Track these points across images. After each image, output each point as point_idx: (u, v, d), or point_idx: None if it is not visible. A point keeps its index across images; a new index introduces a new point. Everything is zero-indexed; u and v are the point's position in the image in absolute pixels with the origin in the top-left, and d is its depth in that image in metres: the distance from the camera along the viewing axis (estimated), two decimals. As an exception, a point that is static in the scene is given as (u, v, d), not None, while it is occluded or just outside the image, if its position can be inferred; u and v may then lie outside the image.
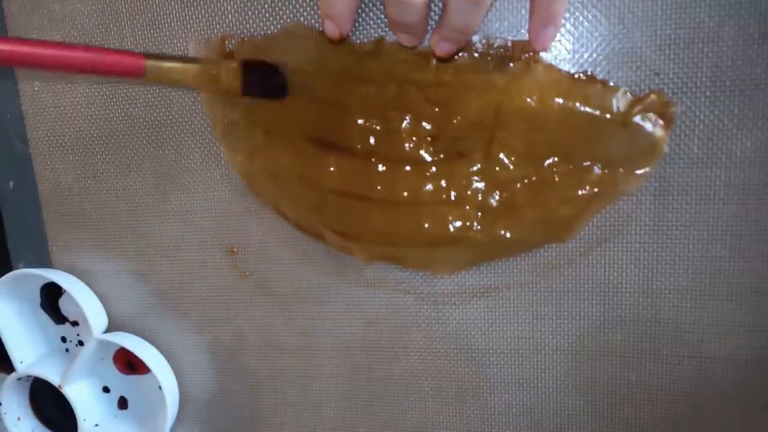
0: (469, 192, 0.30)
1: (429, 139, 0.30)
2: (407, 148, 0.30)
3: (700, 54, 0.28)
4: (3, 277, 0.37)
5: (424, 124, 0.30)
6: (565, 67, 0.29)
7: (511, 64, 0.29)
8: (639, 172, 0.29)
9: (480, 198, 0.30)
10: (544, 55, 0.29)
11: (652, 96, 0.29)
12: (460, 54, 0.29)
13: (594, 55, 0.29)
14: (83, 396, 0.39)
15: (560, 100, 0.29)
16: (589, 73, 0.29)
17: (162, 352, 0.38)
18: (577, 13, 0.29)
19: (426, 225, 0.31)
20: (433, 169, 0.30)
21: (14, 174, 0.38)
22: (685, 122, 0.29)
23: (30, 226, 0.39)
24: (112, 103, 0.36)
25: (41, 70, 0.30)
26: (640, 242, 0.31)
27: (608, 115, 0.28)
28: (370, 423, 0.37)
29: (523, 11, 0.29)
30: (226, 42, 0.33)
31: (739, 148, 0.29)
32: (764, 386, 0.31)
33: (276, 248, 0.35)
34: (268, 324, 0.37)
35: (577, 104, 0.29)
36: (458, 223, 0.30)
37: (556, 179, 0.29)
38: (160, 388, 0.37)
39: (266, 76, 0.31)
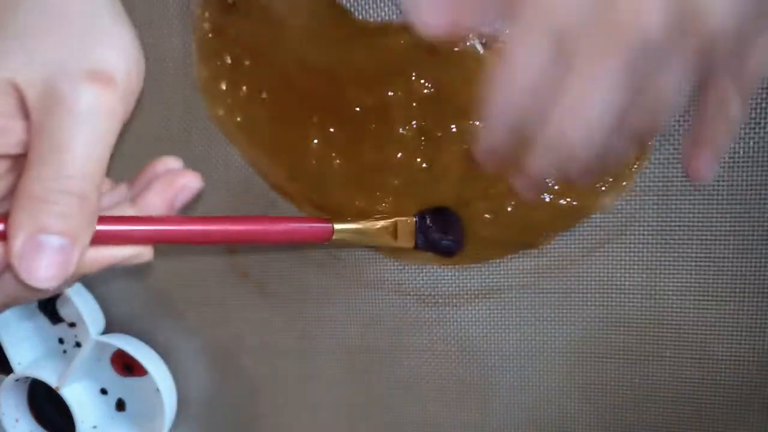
0: (448, 175, 0.30)
1: (418, 121, 0.30)
2: (394, 125, 0.30)
3: (703, 53, 0.28)
4: (0, 278, 0.37)
5: (415, 104, 0.30)
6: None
7: None
8: (617, 186, 0.29)
9: (461, 190, 0.30)
10: None
11: None
12: (468, 43, 0.29)
13: (596, 54, 0.29)
14: (81, 398, 0.39)
15: None
16: None
17: (159, 353, 0.38)
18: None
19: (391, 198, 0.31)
20: (417, 154, 0.30)
21: (11, 174, 0.38)
22: (688, 122, 0.29)
23: (27, 226, 0.39)
24: (110, 103, 0.35)
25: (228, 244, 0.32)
26: (643, 243, 0.30)
27: None
28: (370, 425, 0.37)
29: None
30: None
31: (741, 148, 0.28)
32: (767, 387, 0.31)
33: (276, 248, 0.35)
34: (267, 325, 0.37)
35: None
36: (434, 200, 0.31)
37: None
38: (157, 390, 0.37)
39: (441, 230, 0.31)
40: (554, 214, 0.30)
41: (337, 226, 0.27)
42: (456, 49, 0.29)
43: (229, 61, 0.32)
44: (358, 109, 0.30)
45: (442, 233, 0.31)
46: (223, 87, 0.33)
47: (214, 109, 0.33)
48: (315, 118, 0.31)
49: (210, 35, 0.32)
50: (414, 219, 0.31)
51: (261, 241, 0.24)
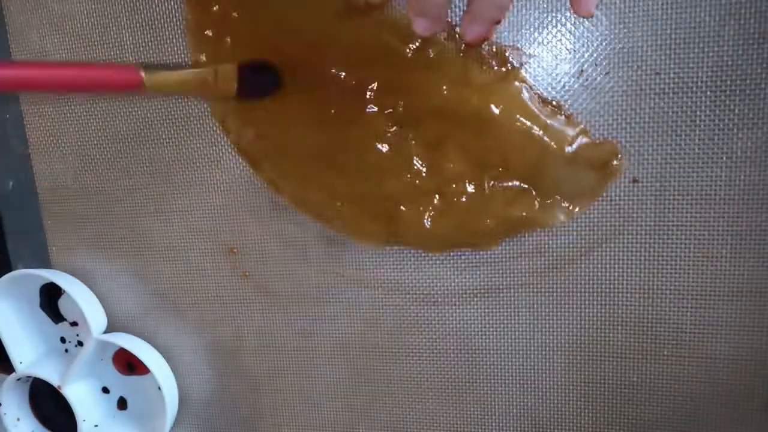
0: (409, 173, 0.30)
1: (391, 111, 0.30)
2: (368, 112, 0.30)
3: (701, 54, 0.28)
4: (2, 278, 0.37)
5: (390, 95, 0.30)
6: (564, 67, 0.29)
7: (495, 68, 0.29)
8: (568, 209, 0.30)
9: (417, 183, 0.30)
10: (528, 73, 0.29)
11: (606, 145, 0.29)
12: (461, 46, 0.29)
13: (594, 55, 0.29)
14: (83, 396, 0.39)
15: (523, 119, 0.29)
16: (558, 102, 0.30)
17: (161, 352, 0.38)
18: (577, 13, 0.29)
19: (361, 189, 0.31)
20: (385, 142, 0.30)
21: (14, 174, 0.38)
22: (685, 122, 0.29)
23: (29, 226, 0.39)
24: (111, 103, 0.36)
25: (34, 92, 0.30)
26: (640, 242, 0.31)
27: (560, 150, 0.29)
28: (369, 424, 0.37)
29: (524, 10, 0.29)
30: None
31: (739, 148, 0.29)
32: (765, 386, 0.31)
33: (276, 248, 0.35)
34: (268, 324, 0.37)
35: (536, 129, 0.29)
36: (390, 198, 0.31)
37: (491, 190, 0.30)
38: (159, 388, 0.37)
39: (262, 76, 0.31)
40: (504, 221, 0.30)
41: (148, 75, 0.26)
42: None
43: (216, 8, 0.32)
44: (335, 87, 0.30)
45: (264, 77, 0.31)
46: (209, 34, 0.33)
47: (196, 54, 0.33)
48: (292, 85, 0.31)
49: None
50: (235, 67, 0.30)
51: (66, 86, 0.24)
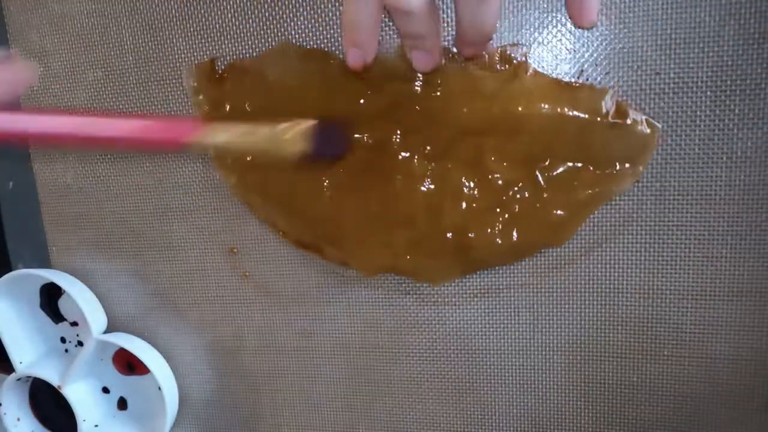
0: (462, 199, 0.30)
1: (421, 149, 0.30)
2: (400, 159, 0.30)
3: (701, 54, 0.28)
4: (2, 278, 0.37)
5: (414, 135, 0.30)
6: (564, 67, 0.29)
7: (502, 68, 0.29)
8: (632, 170, 0.29)
9: (474, 205, 0.30)
10: (532, 61, 0.29)
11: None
12: (462, 62, 0.29)
13: (594, 55, 0.29)
14: (83, 396, 0.39)
15: (548, 105, 0.29)
16: (576, 78, 0.29)
17: (161, 352, 0.38)
18: (577, 13, 0.29)
19: (422, 233, 0.30)
20: (427, 180, 0.30)
21: (14, 174, 0.38)
22: (686, 122, 0.29)
23: (29, 226, 0.39)
24: (111, 103, 0.36)
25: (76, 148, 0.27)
26: (640, 242, 0.31)
27: (597, 118, 0.29)
28: (370, 424, 0.37)
29: (524, 10, 0.29)
30: (216, 64, 0.33)
31: (739, 148, 0.29)
32: (765, 386, 0.31)
33: (276, 248, 0.35)
34: (268, 324, 0.37)
35: (566, 109, 0.29)
36: (453, 232, 0.30)
37: (549, 183, 0.29)
38: (159, 388, 0.37)
39: (339, 136, 0.29)
40: (574, 206, 0.30)
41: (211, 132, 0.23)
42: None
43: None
44: (361, 150, 0.30)
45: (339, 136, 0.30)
46: (229, 160, 0.33)
47: (227, 178, 0.33)
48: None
49: (206, 108, 0.33)
50: (311, 123, 0.28)
51: (108, 142, 0.21)
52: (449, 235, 0.30)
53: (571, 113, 0.29)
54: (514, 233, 0.30)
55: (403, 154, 0.30)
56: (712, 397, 0.32)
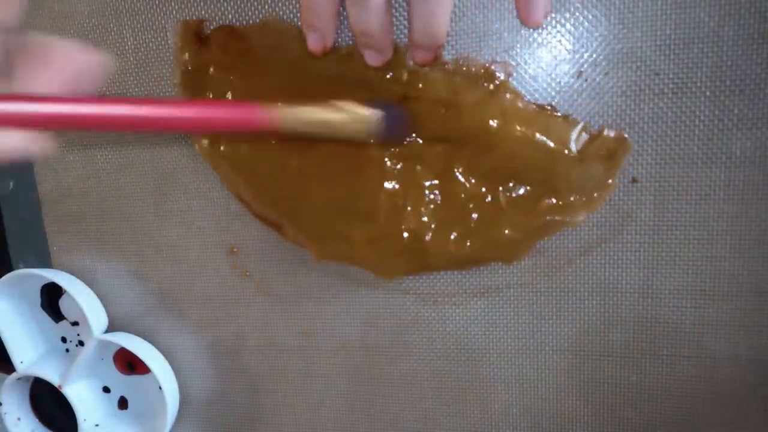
0: (424, 204, 0.30)
1: (393, 148, 0.30)
2: (371, 154, 0.30)
3: (700, 54, 0.28)
4: (3, 277, 0.37)
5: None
6: (564, 67, 0.29)
7: (484, 84, 0.29)
8: (588, 204, 0.30)
9: (435, 211, 0.30)
10: (513, 81, 0.30)
11: (606, 133, 0.29)
12: (437, 66, 0.29)
13: (594, 55, 0.29)
14: (83, 396, 0.39)
15: (521, 128, 0.29)
16: (553, 105, 0.30)
17: (162, 352, 0.38)
18: (577, 13, 0.29)
19: (381, 230, 0.31)
20: (394, 180, 0.30)
21: (14, 174, 0.38)
22: (685, 122, 0.29)
23: (30, 226, 0.39)
24: (112, 104, 0.36)
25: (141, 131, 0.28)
26: (640, 242, 0.31)
27: (565, 150, 0.29)
28: (370, 423, 0.37)
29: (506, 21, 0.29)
30: (204, 25, 0.33)
31: (739, 148, 0.29)
32: (764, 386, 0.31)
33: (276, 248, 0.35)
34: (268, 324, 0.37)
35: (537, 134, 0.29)
36: (411, 232, 0.30)
37: (509, 203, 0.30)
38: (160, 388, 0.37)
39: (403, 116, 0.29)
40: (528, 230, 0.30)
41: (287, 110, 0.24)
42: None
43: (211, 96, 0.32)
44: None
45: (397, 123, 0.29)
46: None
47: (198, 139, 0.33)
48: (295, 146, 0.31)
49: (189, 68, 0.33)
50: (381, 111, 0.28)
51: (178, 126, 0.21)
52: (406, 235, 0.31)
53: (541, 139, 0.29)
54: (467, 244, 0.30)
55: (374, 150, 0.30)
56: (712, 397, 0.32)
